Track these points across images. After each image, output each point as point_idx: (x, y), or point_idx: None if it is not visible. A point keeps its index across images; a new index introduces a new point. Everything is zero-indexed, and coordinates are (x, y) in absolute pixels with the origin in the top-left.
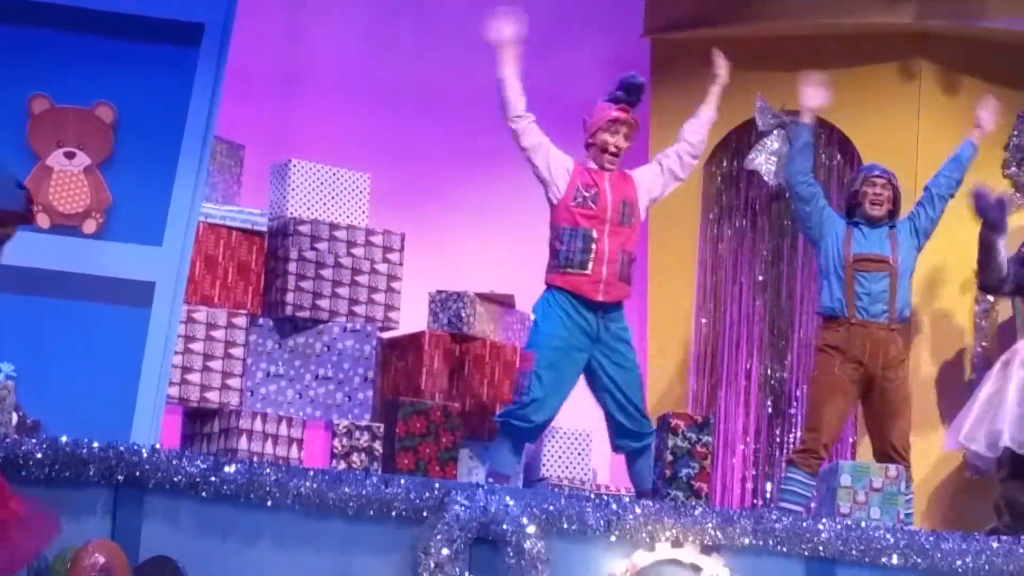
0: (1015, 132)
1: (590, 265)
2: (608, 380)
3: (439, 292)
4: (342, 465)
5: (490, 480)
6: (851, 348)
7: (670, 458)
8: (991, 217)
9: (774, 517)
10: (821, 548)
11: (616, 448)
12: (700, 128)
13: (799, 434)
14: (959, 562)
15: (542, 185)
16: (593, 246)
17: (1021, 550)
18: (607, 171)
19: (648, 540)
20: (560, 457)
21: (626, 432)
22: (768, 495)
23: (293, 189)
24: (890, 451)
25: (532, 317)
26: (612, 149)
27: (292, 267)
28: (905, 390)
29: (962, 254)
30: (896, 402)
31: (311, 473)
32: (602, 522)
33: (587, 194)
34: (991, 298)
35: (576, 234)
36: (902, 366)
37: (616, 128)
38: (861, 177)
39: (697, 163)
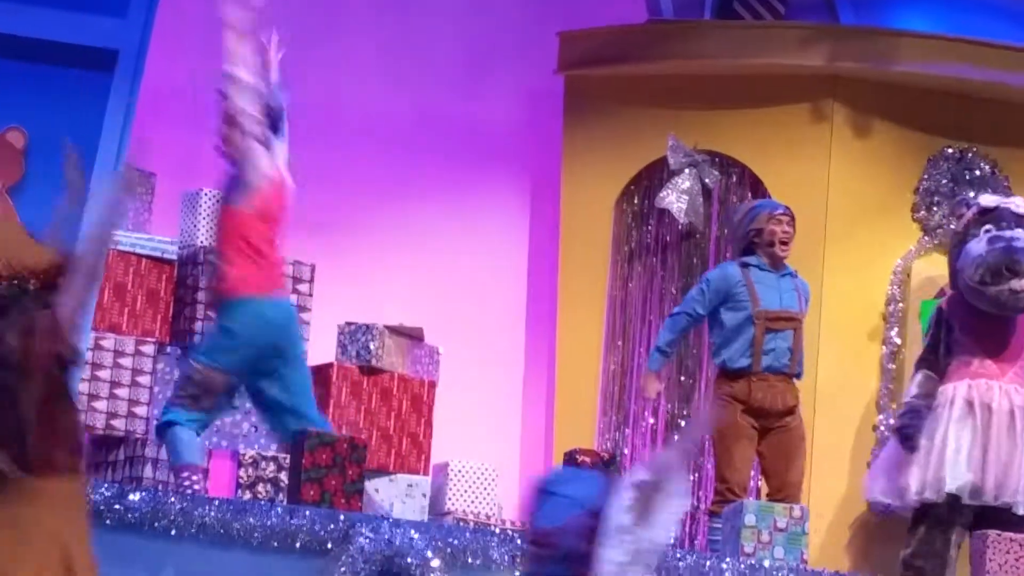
0: (925, 176)
1: None
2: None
3: (348, 324)
4: (247, 495)
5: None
6: (751, 399)
7: None
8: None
9: (677, 556)
10: None
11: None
12: None
13: (702, 475)
14: None
15: None
16: None
17: None
18: None
19: None
20: (466, 492)
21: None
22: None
23: (204, 218)
24: (788, 490)
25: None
26: None
27: (201, 296)
28: (801, 432)
29: (870, 294)
30: (792, 446)
31: (216, 502)
32: (507, 557)
33: None
34: (899, 340)
35: None
36: (797, 410)
37: None
38: (764, 215)
39: (608, 202)
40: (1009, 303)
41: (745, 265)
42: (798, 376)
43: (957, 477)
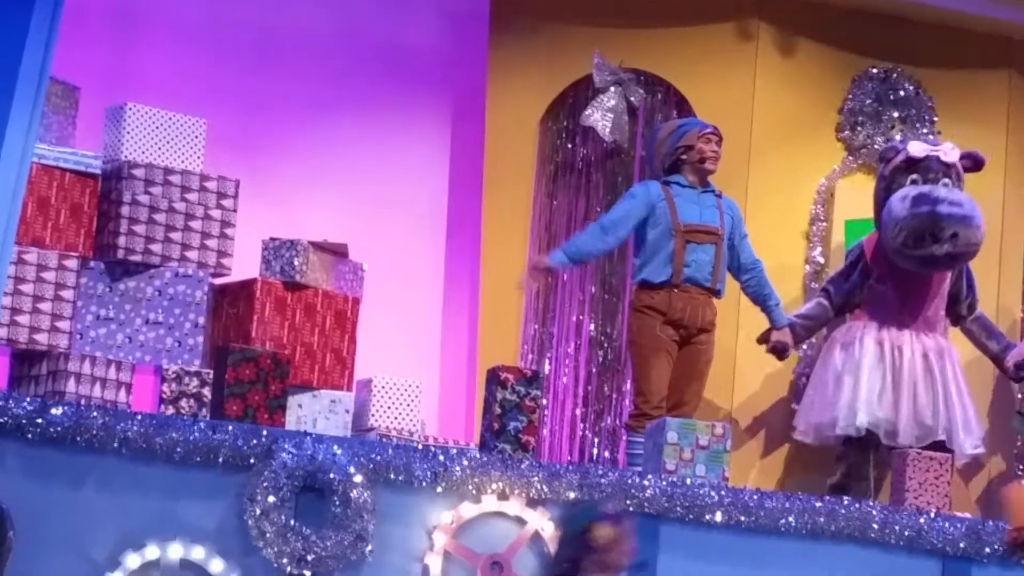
0: (849, 95)
1: None
2: None
3: (272, 240)
4: (170, 410)
5: None
6: (672, 311)
7: (499, 411)
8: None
9: (600, 472)
10: (646, 504)
11: None
12: None
13: (628, 394)
14: (782, 520)
15: None
16: None
17: (842, 511)
18: None
19: (474, 492)
20: (389, 408)
21: None
22: (595, 450)
23: (128, 132)
24: (681, 409)
25: None
26: None
27: (125, 211)
28: (710, 354)
29: (794, 213)
30: (700, 365)
31: (138, 417)
32: (429, 473)
33: None
34: (821, 259)
35: None
36: (713, 331)
37: None
38: (693, 133)
39: (533, 119)
40: (926, 267)
41: (667, 183)
42: (718, 293)
43: (871, 412)
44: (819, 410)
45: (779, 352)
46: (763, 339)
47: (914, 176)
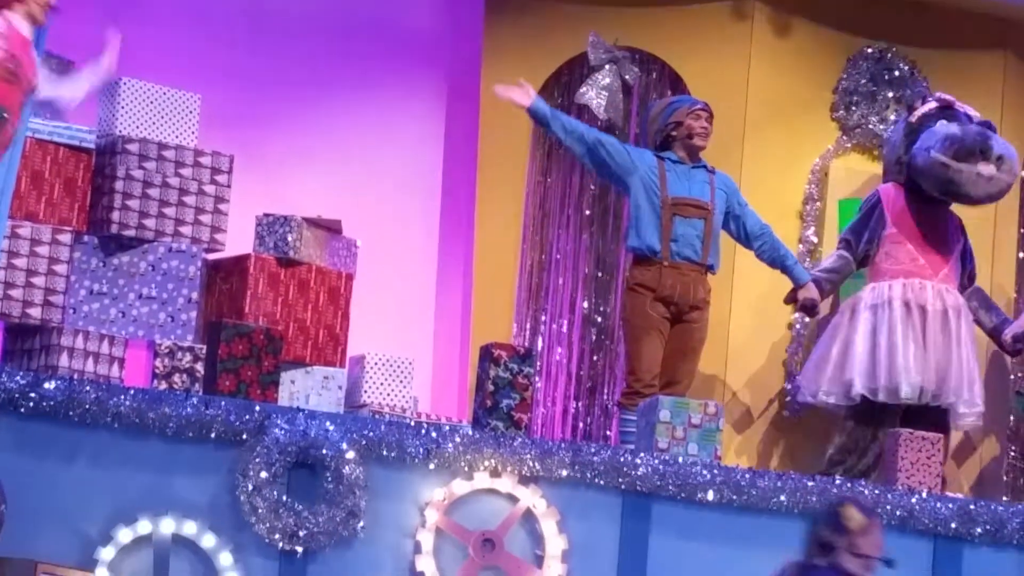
0: (844, 75)
1: None
2: None
3: (266, 215)
4: (163, 385)
5: None
6: (662, 287)
7: (491, 388)
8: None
9: (592, 450)
10: (638, 482)
11: None
12: None
13: (621, 372)
14: (774, 500)
15: None
16: None
17: (834, 490)
18: None
19: (467, 469)
20: (382, 384)
21: None
22: (587, 428)
23: (123, 107)
24: (673, 388)
25: None
26: None
27: (119, 185)
28: (703, 332)
29: (787, 193)
30: (693, 343)
31: (131, 392)
32: (421, 450)
33: None
34: (815, 239)
35: None
36: (706, 308)
37: None
38: (683, 109)
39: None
40: (967, 186)
41: (660, 158)
42: (711, 269)
43: (911, 383)
44: (852, 370)
45: (808, 309)
46: (790, 299)
47: (943, 121)
